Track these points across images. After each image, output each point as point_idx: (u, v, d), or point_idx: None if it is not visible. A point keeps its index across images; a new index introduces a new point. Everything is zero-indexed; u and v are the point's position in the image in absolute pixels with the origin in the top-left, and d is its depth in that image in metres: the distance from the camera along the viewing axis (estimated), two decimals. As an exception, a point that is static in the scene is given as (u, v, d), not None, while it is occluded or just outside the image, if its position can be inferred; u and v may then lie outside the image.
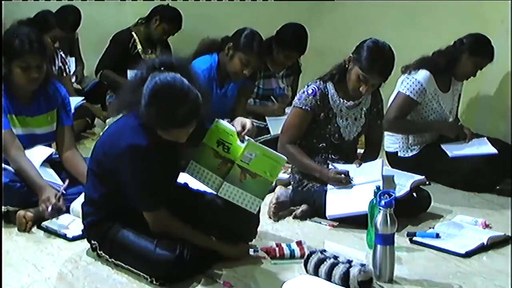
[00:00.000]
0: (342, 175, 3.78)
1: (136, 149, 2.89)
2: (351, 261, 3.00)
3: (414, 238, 3.54)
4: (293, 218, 3.83)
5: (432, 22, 5.37)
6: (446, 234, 3.59)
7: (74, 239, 3.40)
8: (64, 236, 3.43)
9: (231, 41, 4.38)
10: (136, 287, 2.97)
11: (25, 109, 3.76)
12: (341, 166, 3.87)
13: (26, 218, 3.52)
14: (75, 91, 5.73)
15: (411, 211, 3.81)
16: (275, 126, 4.87)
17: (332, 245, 3.17)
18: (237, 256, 3.16)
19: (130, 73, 5.82)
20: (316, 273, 3.01)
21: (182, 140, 2.96)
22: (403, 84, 4.48)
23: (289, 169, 4.17)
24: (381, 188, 3.44)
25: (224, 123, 3.13)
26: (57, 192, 3.55)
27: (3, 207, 3.55)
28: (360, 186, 3.73)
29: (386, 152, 4.67)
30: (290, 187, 4.04)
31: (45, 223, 3.53)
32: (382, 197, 3.07)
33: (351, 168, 3.84)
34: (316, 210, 3.82)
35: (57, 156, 3.84)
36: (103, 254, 3.13)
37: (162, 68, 2.92)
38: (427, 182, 4.02)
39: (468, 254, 3.38)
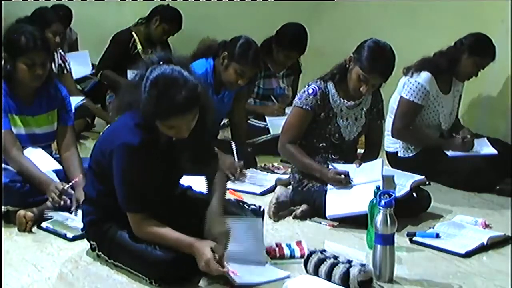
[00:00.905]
0: (342, 176, 3.78)
1: (127, 148, 2.89)
2: (351, 261, 3.00)
3: (414, 238, 3.54)
4: (293, 218, 3.83)
5: (432, 22, 5.36)
6: (446, 234, 3.59)
7: (75, 239, 3.40)
8: (64, 236, 3.43)
9: (226, 49, 4.32)
10: (136, 287, 2.97)
11: (26, 108, 3.76)
12: (341, 166, 3.87)
13: (26, 218, 3.51)
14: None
15: (411, 211, 3.81)
16: (275, 126, 4.87)
17: (332, 245, 3.18)
18: (202, 269, 2.94)
19: (130, 73, 5.82)
20: (316, 273, 3.01)
21: (183, 133, 2.92)
22: (406, 89, 4.47)
23: (289, 169, 4.18)
24: (381, 188, 3.44)
25: None
26: (62, 183, 3.58)
27: (3, 207, 3.55)
28: (360, 186, 3.73)
29: (386, 152, 4.67)
30: (290, 187, 4.03)
31: (45, 224, 3.53)
32: (382, 197, 3.07)
33: (351, 168, 3.84)
34: (316, 210, 3.82)
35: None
36: (102, 254, 3.13)
37: (161, 63, 2.93)
38: (427, 182, 4.02)
39: (468, 254, 3.38)
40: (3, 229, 3.46)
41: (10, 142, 3.65)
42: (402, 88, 4.50)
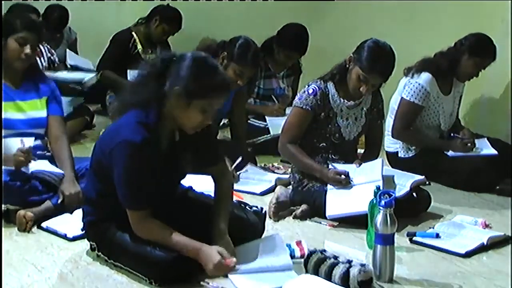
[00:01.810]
0: (342, 176, 3.78)
1: (129, 145, 2.88)
2: (351, 261, 3.00)
3: (414, 238, 3.54)
4: (293, 218, 3.83)
5: (432, 22, 5.37)
6: (446, 234, 3.58)
7: (75, 239, 3.40)
8: (64, 236, 3.43)
9: (225, 50, 4.32)
10: (136, 287, 2.97)
11: (16, 94, 3.78)
12: (341, 166, 3.87)
13: (26, 218, 3.52)
14: (74, 91, 5.73)
15: (411, 211, 3.81)
16: (275, 126, 4.87)
17: (332, 245, 3.18)
18: (210, 273, 2.97)
19: (131, 73, 5.83)
20: (316, 273, 3.01)
21: (210, 118, 2.97)
22: (406, 90, 4.47)
23: (289, 169, 4.18)
24: (381, 188, 3.44)
25: None
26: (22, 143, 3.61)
27: (2, 206, 3.55)
28: (360, 186, 3.73)
29: (386, 152, 4.67)
30: (290, 187, 4.04)
31: (45, 224, 3.53)
32: (382, 197, 3.07)
33: (351, 168, 3.84)
34: (316, 210, 3.82)
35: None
36: (102, 254, 3.13)
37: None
38: (427, 182, 4.01)
39: (468, 254, 3.38)
40: (3, 229, 3.46)
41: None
42: (403, 88, 4.50)
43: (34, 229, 3.52)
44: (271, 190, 4.22)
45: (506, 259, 3.37)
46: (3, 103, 3.72)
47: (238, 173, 4.36)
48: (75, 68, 5.93)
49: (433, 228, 3.68)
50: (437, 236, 3.54)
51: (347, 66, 3.85)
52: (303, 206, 3.85)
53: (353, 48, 3.86)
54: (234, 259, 2.96)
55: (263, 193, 4.24)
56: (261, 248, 3.09)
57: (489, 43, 4.51)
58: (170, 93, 2.92)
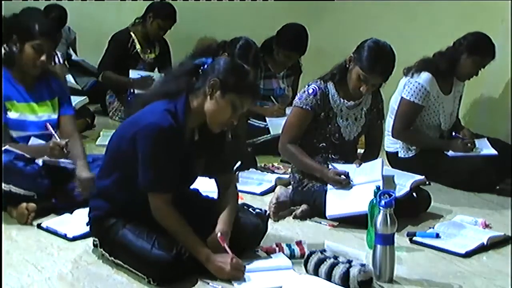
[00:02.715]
0: (342, 176, 3.78)
1: (157, 127, 2.90)
2: (351, 261, 3.00)
3: (414, 238, 3.54)
4: (293, 218, 3.83)
5: (432, 22, 5.37)
6: (446, 234, 3.59)
7: (75, 239, 3.40)
8: (64, 236, 3.43)
9: (226, 50, 4.32)
10: (136, 287, 2.97)
11: (29, 95, 3.80)
12: (341, 166, 3.87)
13: (28, 209, 3.54)
14: (74, 91, 5.73)
15: (411, 211, 3.81)
16: (275, 126, 4.87)
17: (332, 245, 3.17)
18: (217, 275, 3.00)
19: (133, 73, 5.84)
20: (316, 273, 3.01)
21: (237, 118, 3.03)
22: (406, 89, 4.47)
23: (289, 169, 4.18)
24: (381, 188, 3.44)
25: None
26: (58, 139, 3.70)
27: (5, 185, 3.55)
28: (360, 186, 3.73)
29: (386, 152, 4.67)
30: (290, 187, 4.04)
31: (45, 224, 3.53)
32: (382, 197, 3.07)
33: (351, 168, 3.84)
34: (316, 210, 3.82)
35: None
36: (104, 251, 3.13)
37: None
38: (427, 182, 4.02)
39: (468, 254, 3.39)
40: (3, 229, 3.46)
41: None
42: (403, 88, 4.50)
43: (34, 229, 3.52)
44: (271, 190, 4.22)
45: (506, 259, 3.37)
46: (17, 103, 3.74)
47: (237, 173, 4.37)
48: (77, 67, 5.94)
49: (433, 228, 3.68)
50: (437, 236, 3.55)
51: (347, 66, 3.85)
52: (303, 206, 3.85)
53: (353, 48, 3.86)
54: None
55: (263, 193, 4.24)
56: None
57: (488, 41, 4.51)
58: (204, 86, 2.99)
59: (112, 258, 3.10)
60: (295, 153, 3.89)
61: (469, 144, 4.49)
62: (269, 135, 5.00)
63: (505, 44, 4.84)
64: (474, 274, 3.20)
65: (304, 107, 3.86)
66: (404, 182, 3.88)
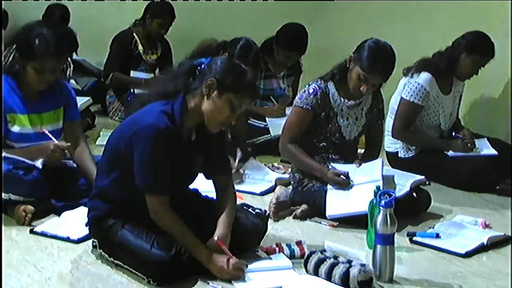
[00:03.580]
0: (342, 177, 3.78)
1: (154, 129, 2.90)
2: (351, 261, 3.00)
3: (414, 238, 3.54)
4: (293, 218, 3.83)
5: (432, 22, 5.37)
6: (446, 234, 3.59)
7: (79, 241, 3.37)
8: (68, 239, 3.39)
9: (226, 50, 4.32)
10: (136, 287, 2.97)
11: (32, 106, 3.75)
12: (341, 166, 3.87)
13: (26, 211, 3.54)
14: (75, 91, 5.71)
15: (411, 211, 3.81)
16: (275, 126, 4.87)
17: (332, 245, 3.18)
18: (218, 275, 3.00)
19: (134, 74, 5.83)
20: (316, 273, 3.01)
21: (236, 118, 3.02)
22: (406, 89, 4.47)
23: (289, 169, 4.18)
24: (381, 188, 3.44)
25: None
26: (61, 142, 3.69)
27: (4, 194, 3.55)
28: (360, 186, 3.73)
29: (386, 152, 4.67)
30: (290, 187, 4.03)
31: (39, 228, 3.49)
32: (382, 197, 3.07)
33: (351, 168, 3.84)
34: (316, 210, 3.82)
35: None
36: (103, 252, 3.13)
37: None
38: (427, 182, 4.02)
39: (468, 254, 3.39)
40: (3, 229, 3.46)
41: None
42: (403, 88, 4.50)
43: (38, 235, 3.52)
44: (271, 190, 4.22)
45: (506, 259, 3.37)
46: (18, 115, 3.71)
47: (244, 171, 4.38)
48: (77, 67, 5.93)
49: (433, 228, 3.68)
50: (437, 236, 3.55)
51: (348, 66, 3.85)
52: (303, 206, 3.85)
53: (353, 48, 3.86)
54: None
55: (263, 193, 4.24)
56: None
57: (487, 40, 4.50)
58: (201, 86, 2.99)
59: (112, 259, 3.10)
60: (295, 153, 3.89)
61: (469, 144, 4.49)
62: (269, 135, 5.00)
63: (505, 44, 4.84)
64: (474, 274, 3.20)
65: (304, 106, 3.86)
66: (404, 182, 3.88)
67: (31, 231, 3.48)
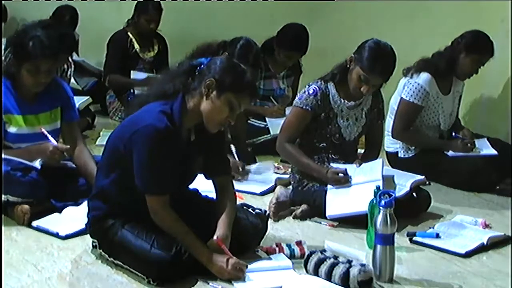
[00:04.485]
0: (341, 174, 3.78)
1: (153, 129, 2.90)
2: (351, 261, 3.01)
3: (414, 238, 3.54)
4: (293, 218, 3.83)
5: (432, 22, 5.37)
6: (446, 234, 3.59)
7: (67, 237, 3.40)
8: (56, 235, 3.42)
9: (226, 50, 4.32)
10: (136, 287, 2.97)
11: (28, 107, 3.74)
12: (341, 166, 3.86)
13: (23, 211, 3.54)
14: (75, 91, 5.72)
15: (411, 211, 3.81)
16: (275, 126, 4.86)
17: (332, 245, 3.18)
18: (219, 275, 3.00)
19: (134, 74, 5.83)
20: (316, 273, 3.01)
21: (235, 118, 3.01)
22: (406, 90, 4.47)
23: (289, 169, 4.18)
24: (381, 188, 3.44)
25: None
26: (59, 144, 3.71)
27: (3, 195, 3.56)
28: (360, 186, 3.73)
29: (386, 152, 4.67)
30: (290, 187, 4.03)
31: (35, 223, 3.52)
32: (382, 197, 3.07)
33: (352, 168, 3.84)
34: (316, 210, 3.82)
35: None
36: (103, 252, 3.13)
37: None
38: (427, 182, 4.02)
39: (468, 254, 3.39)
40: (3, 229, 3.46)
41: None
42: (402, 89, 4.50)
43: (34, 229, 3.52)
44: (271, 190, 4.22)
45: (506, 259, 3.37)
46: (14, 116, 3.71)
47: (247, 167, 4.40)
48: (77, 67, 5.94)
49: (433, 228, 3.68)
50: (437, 236, 3.55)
51: (348, 66, 3.85)
52: (303, 206, 3.85)
53: (353, 48, 3.86)
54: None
55: (263, 193, 4.24)
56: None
57: (486, 39, 4.50)
58: (200, 86, 2.98)
59: (112, 259, 3.10)
60: (292, 152, 3.89)
61: (469, 144, 4.49)
62: (269, 135, 5.00)
63: (505, 43, 4.84)
64: (474, 274, 3.20)
65: (304, 107, 3.85)
66: (404, 182, 3.88)
67: (29, 225, 3.52)
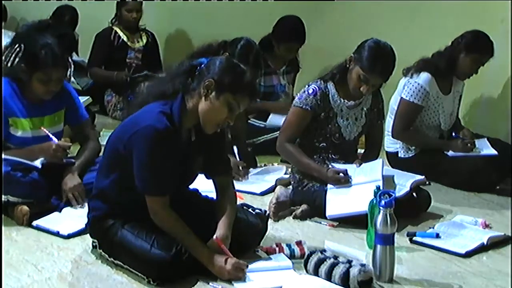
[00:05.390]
0: (341, 174, 3.78)
1: (153, 130, 2.90)
2: (351, 261, 3.01)
3: (414, 238, 3.54)
4: (293, 218, 3.83)
5: (432, 22, 5.36)
6: (446, 234, 3.59)
7: (69, 236, 3.40)
8: (57, 234, 3.42)
9: (226, 50, 4.32)
10: (136, 287, 2.97)
11: (34, 110, 3.76)
12: (341, 166, 3.87)
13: (23, 211, 3.54)
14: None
15: (411, 211, 3.81)
16: (275, 119, 4.88)
17: (332, 245, 3.18)
18: (219, 275, 2.99)
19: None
20: (316, 273, 3.01)
21: (234, 118, 3.00)
22: (406, 90, 4.47)
23: (289, 169, 4.18)
24: (381, 188, 3.44)
25: None
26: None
27: (3, 196, 3.56)
28: (360, 186, 3.73)
29: (386, 152, 4.67)
30: (290, 187, 4.03)
31: (36, 222, 3.53)
32: (382, 197, 3.07)
33: (352, 168, 3.84)
34: (316, 210, 3.82)
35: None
36: (103, 252, 3.13)
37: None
38: (427, 182, 4.02)
39: (468, 254, 3.39)
40: (3, 229, 3.46)
41: None
42: (402, 89, 4.50)
43: (34, 229, 3.52)
44: (271, 190, 4.22)
45: (506, 259, 3.37)
46: (20, 119, 3.71)
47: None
48: (77, 67, 5.94)
49: (433, 228, 3.68)
50: (437, 236, 3.55)
51: (348, 66, 3.85)
52: (303, 206, 3.85)
53: (353, 48, 3.86)
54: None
55: (263, 193, 4.24)
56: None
57: (486, 39, 4.50)
58: (199, 86, 2.98)
59: (112, 259, 3.10)
60: (292, 152, 3.90)
61: (469, 144, 4.49)
62: (269, 135, 4.99)
63: (505, 44, 4.83)
64: (474, 274, 3.20)
65: (303, 107, 3.85)
66: (404, 182, 3.88)
67: (29, 225, 3.52)
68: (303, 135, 3.93)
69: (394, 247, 3.06)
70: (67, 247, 3.33)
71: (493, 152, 4.49)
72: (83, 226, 3.37)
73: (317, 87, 3.87)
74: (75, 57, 5.92)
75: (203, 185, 3.32)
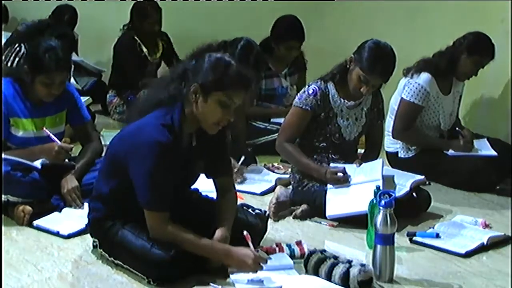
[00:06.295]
0: (339, 174, 3.78)
1: (156, 144, 2.88)
2: (351, 261, 3.01)
3: (414, 238, 3.54)
4: (293, 218, 3.83)
5: (432, 22, 5.36)
6: (446, 234, 3.59)
7: (69, 236, 3.41)
8: (57, 234, 3.43)
9: (226, 51, 4.30)
10: (136, 287, 2.97)
11: (36, 111, 3.76)
12: (340, 166, 3.86)
13: (24, 211, 3.54)
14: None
15: (411, 211, 3.81)
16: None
17: (332, 245, 3.18)
18: (240, 268, 2.98)
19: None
20: (316, 273, 3.01)
21: (229, 112, 2.96)
22: (406, 90, 4.47)
23: (289, 169, 4.18)
24: (381, 188, 3.44)
25: None
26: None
27: (3, 195, 3.56)
28: (360, 186, 3.73)
29: (386, 152, 4.67)
30: (290, 187, 4.03)
31: (36, 222, 3.53)
32: (382, 197, 3.07)
33: (352, 168, 3.84)
34: (316, 210, 3.82)
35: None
36: (103, 252, 3.13)
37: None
38: (427, 182, 4.02)
39: (468, 254, 3.39)
40: (3, 229, 3.46)
41: None
42: (402, 89, 4.50)
43: (34, 229, 3.52)
44: (271, 190, 4.22)
45: (506, 259, 3.37)
46: (22, 120, 3.72)
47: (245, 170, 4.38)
48: (77, 67, 5.94)
49: (433, 228, 3.68)
50: (437, 236, 3.55)
51: (348, 66, 3.85)
52: (303, 206, 3.85)
53: (353, 48, 3.86)
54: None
55: (263, 193, 4.24)
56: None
57: (488, 41, 4.50)
58: (190, 92, 2.95)
59: (112, 259, 3.10)
60: (292, 152, 3.90)
61: (468, 144, 4.49)
62: (269, 136, 4.99)
63: (505, 44, 4.83)
64: (474, 274, 3.20)
65: (303, 107, 3.86)
66: (404, 182, 3.88)
67: (29, 225, 3.52)
68: (303, 135, 3.93)
69: (394, 247, 3.06)
70: (67, 247, 3.34)
71: (493, 153, 4.49)
72: (83, 226, 3.38)
73: (317, 87, 3.87)
74: (74, 57, 5.92)
75: (203, 185, 3.32)
